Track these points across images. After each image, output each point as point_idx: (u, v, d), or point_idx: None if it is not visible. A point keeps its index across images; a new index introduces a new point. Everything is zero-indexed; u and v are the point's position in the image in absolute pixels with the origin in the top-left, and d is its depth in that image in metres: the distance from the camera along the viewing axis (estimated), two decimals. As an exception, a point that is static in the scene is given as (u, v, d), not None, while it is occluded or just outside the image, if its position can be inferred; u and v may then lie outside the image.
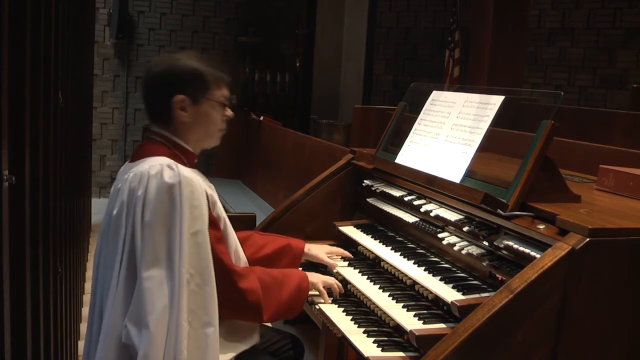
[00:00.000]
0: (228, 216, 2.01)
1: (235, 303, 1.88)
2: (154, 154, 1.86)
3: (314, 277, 2.13)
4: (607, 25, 6.53)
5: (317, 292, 2.11)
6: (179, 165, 1.81)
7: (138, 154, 1.91)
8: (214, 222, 1.86)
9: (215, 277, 1.80)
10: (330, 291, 2.13)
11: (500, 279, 1.81)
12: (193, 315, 1.75)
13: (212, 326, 1.78)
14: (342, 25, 8.63)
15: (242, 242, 2.25)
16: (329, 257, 2.36)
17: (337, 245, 2.47)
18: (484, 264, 1.85)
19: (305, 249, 2.33)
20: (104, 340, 1.78)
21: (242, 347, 1.97)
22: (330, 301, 2.10)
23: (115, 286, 1.78)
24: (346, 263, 2.35)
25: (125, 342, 1.74)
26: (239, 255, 2.01)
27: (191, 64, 1.91)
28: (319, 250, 2.35)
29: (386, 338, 1.85)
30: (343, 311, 2.04)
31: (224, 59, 8.16)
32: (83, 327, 3.88)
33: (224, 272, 1.84)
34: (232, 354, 1.94)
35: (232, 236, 1.99)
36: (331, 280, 2.15)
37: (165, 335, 1.72)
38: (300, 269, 2.37)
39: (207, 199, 1.85)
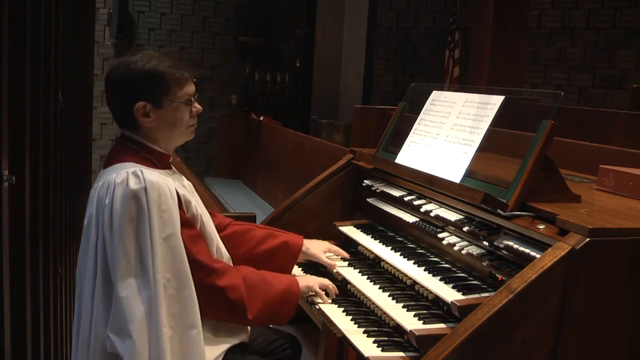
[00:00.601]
0: (228, 216, 2.01)
1: (217, 302, 1.86)
2: (123, 160, 1.84)
3: (310, 280, 2.11)
4: (607, 25, 6.53)
5: (313, 293, 2.10)
6: (145, 170, 1.79)
7: (109, 161, 1.89)
8: (187, 222, 1.84)
9: (194, 278, 1.79)
10: (325, 292, 2.11)
11: (500, 279, 1.81)
12: (174, 320, 1.74)
13: (195, 328, 1.77)
14: (342, 25, 8.63)
15: (241, 235, 2.24)
16: (328, 257, 2.34)
17: (337, 246, 2.46)
18: (484, 264, 1.85)
19: (304, 248, 2.30)
20: (86, 349, 1.78)
21: (232, 341, 1.96)
22: (329, 301, 2.09)
23: (91, 296, 1.77)
24: (346, 263, 2.35)
25: (110, 351, 1.74)
26: (221, 252, 2.00)
27: (149, 67, 1.84)
28: (317, 250, 2.33)
29: (386, 338, 1.85)
30: (343, 311, 2.04)
31: (224, 59, 8.17)
32: (83, 327, 3.86)
33: (203, 272, 1.82)
34: (222, 349, 1.93)
35: (212, 234, 1.97)
36: (326, 281, 2.13)
37: (148, 342, 1.71)
38: (300, 269, 2.37)
39: (180, 200, 1.83)
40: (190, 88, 1.92)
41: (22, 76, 1.74)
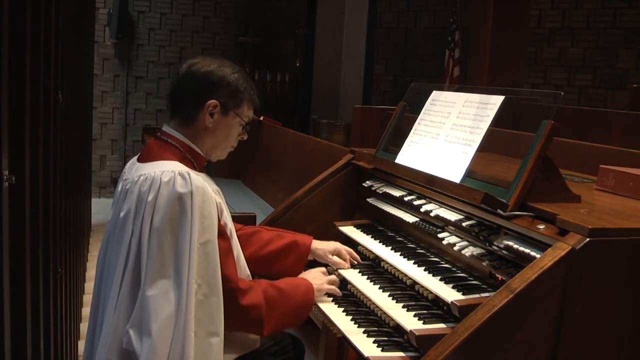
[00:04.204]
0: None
1: (236, 318, 1.86)
2: (166, 158, 1.85)
3: (317, 280, 2.09)
4: (607, 25, 6.53)
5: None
6: (191, 173, 1.80)
7: (149, 155, 1.89)
8: (222, 233, 1.85)
9: None
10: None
11: (500, 279, 1.81)
12: (198, 325, 1.74)
13: (217, 336, 1.77)
14: (342, 25, 8.63)
15: (248, 237, 2.24)
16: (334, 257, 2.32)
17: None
18: (484, 264, 1.85)
19: (312, 247, 2.29)
20: (106, 343, 1.77)
21: (243, 351, 1.97)
22: (340, 294, 2.10)
23: (117, 289, 1.77)
24: (353, 267, 2.30)
25: (126, 347, 1.73)
26: (240, 264, 1.99)
27: (235, 76, 1.95)
28: (326, 252, 2.30)
29: (386, 338, 1.85)
30: (343, 311, 2.04)
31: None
32: (83, 327, 3.88)
33: (228, 288, 1.82)
34: (233, 357, 1.93)
35: (236, 244, 1.98)
36: (333, 277, 2.14)
37: (168, 344, 1.71)
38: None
39: (217, 208, 1.84)
40: (252, 114, 2.02)
41: (22, 76, 1.74)
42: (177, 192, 1.75)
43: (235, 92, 1.94)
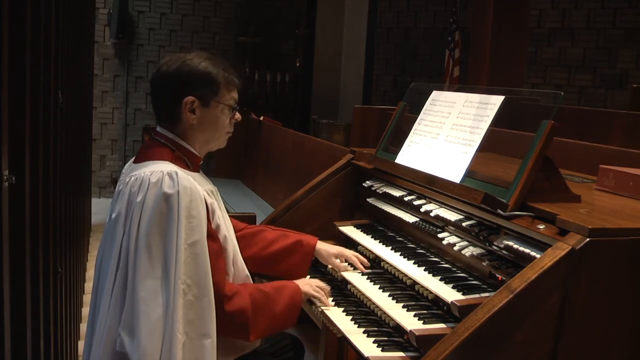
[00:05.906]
0: (228, 216, 2.00)
1: (222, 324, 1.82)
2: (158, 158, 1.84)
3: (305, 285, 2.05)
4: (607, 25, 6.53)
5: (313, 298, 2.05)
6: (180, 173, 1.78)
7: (142, 156, 1.89)
8: (211, 235, 1.83)
9: None
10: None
11: (500, 279, 1.81)
12: (190, 326, 1.73)
13: (209, 337, 1.76)
14: (342, 25, 8.63)
15: (252, 237, 2.23)
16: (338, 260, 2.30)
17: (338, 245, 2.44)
18: (484, 264, 1.85)
19: (317, 248, 2.27)
20: (100, 344, 1.77)
21: (242, 351, 1.96)
22: (332, 304, 2.06)
23: (110, 291, 1.77)
24: (357, 271, 2.27)
25: (119, 350, 1.73)
26: (237, 264, 1.98)
27: (203, 65, 1.89)
28: (329, 253, 2.28)
29: (386, 338, 1.85)
30: (343, 311, 2.04)
31: (224, 59, 8.16)
32: (83, 327, 3.88)
33: (214, 293, 1.80)
34: (232, 357, 1.93)
35: (231, 245, 1.96)
36: (317, 282, 2.09)
37: (159, 346, 1.70)
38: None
39: (208, 209, 1.83)
40: (236, 95, 1.97)
41: (22, 76, 1.74)
42: (163, 193, 1.75)
43: (208, 81, 1.89)
